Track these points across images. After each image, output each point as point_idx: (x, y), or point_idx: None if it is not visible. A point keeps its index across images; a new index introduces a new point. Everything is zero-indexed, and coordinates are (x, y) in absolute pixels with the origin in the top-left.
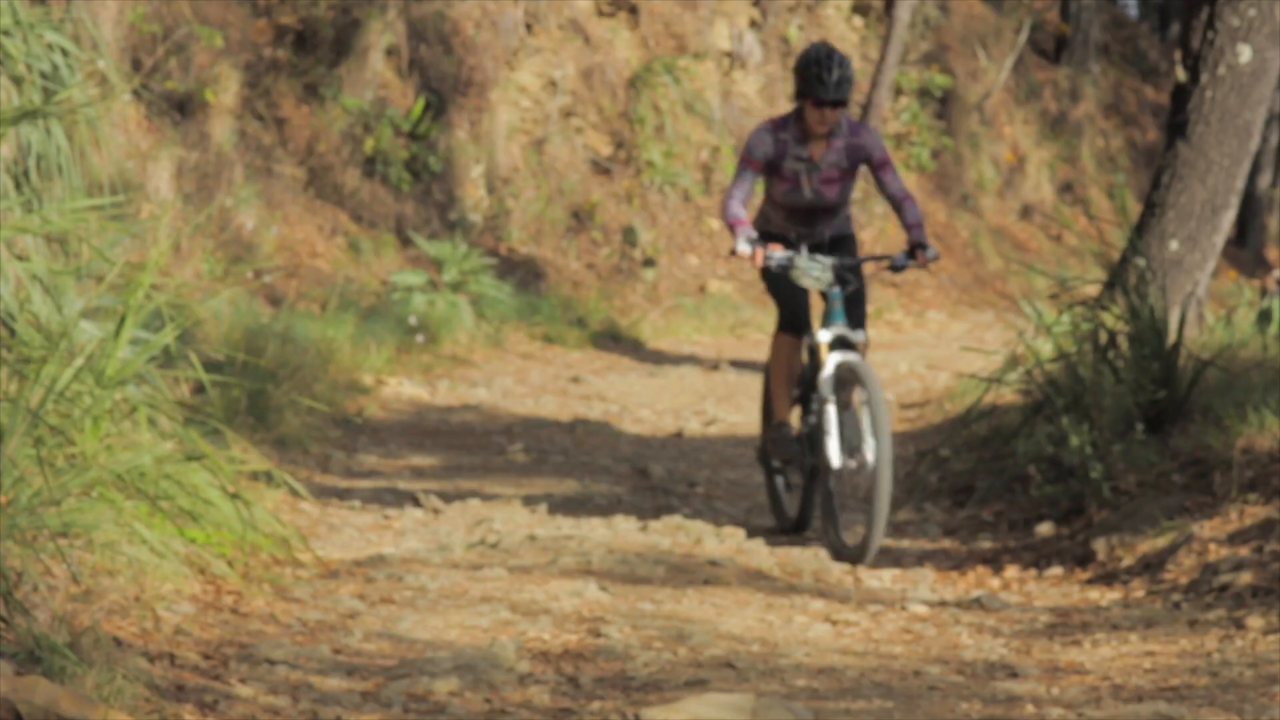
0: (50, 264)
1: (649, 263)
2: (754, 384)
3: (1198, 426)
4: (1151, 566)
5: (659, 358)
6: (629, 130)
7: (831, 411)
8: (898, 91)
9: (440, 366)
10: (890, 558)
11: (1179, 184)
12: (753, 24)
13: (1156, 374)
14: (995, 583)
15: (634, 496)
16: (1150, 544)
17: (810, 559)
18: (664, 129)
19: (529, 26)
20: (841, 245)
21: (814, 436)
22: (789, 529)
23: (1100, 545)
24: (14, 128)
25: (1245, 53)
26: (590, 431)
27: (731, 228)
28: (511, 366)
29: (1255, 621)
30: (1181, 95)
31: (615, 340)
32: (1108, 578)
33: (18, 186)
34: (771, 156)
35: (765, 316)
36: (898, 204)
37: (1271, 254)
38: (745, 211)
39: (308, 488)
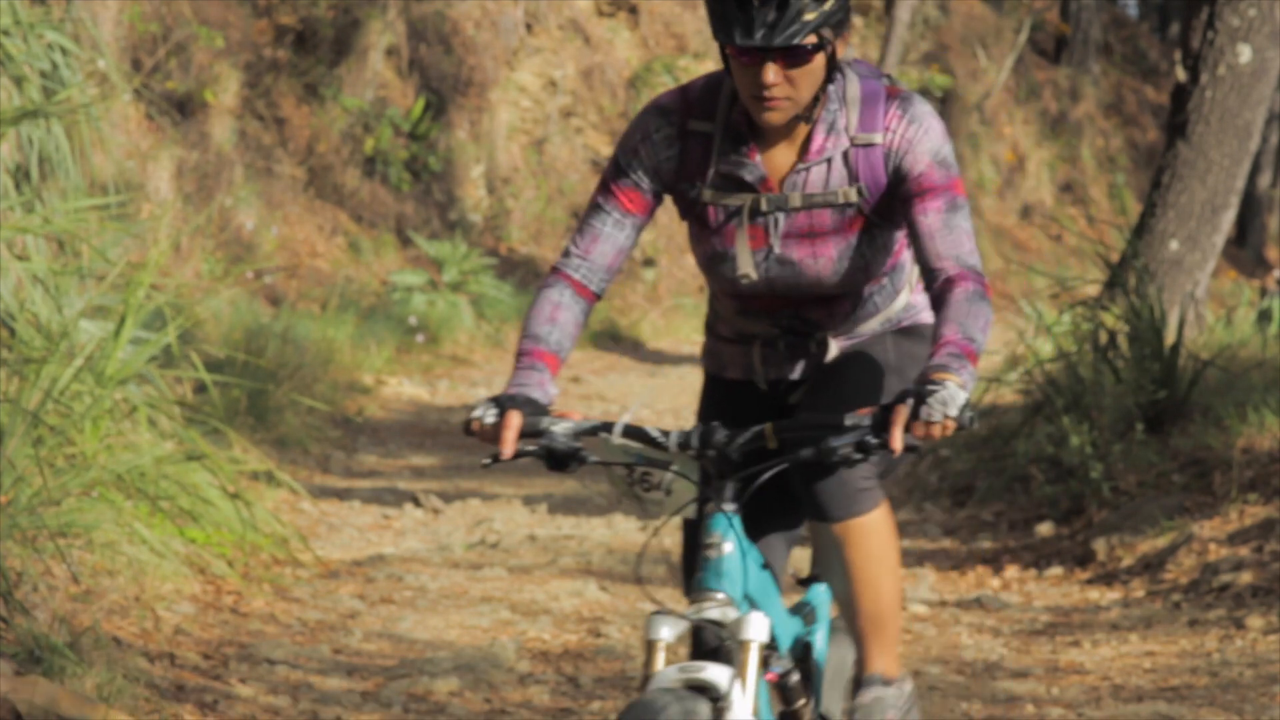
0: (50, 264)
1: (649, 263)
2: None
3: (1198, 426)
4: (1151, 566)
5: (659, 358)
6: None
7: None
8: None
9: (440, 366)
10: None
11: (1179, 184)
12: None
13: (1156, 374)
14: (995, 583)
15: None
16: (1150, 544)
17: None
18: None
19: (529, 26)
20: (851, 375)
21: None
22: None
23: (1100, 545)
24: (14, 127)
25: (1245, 53)
26: None
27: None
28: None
29: (1255, 621)
30: (1181, 95)
31: (615, 340)
32: (1108, 578)
33: (18, 186)
34: (670, 175)
35: None
36: (934, 281)
37: (1271, 254)
38: (567, 315)
39: (307, 488)
